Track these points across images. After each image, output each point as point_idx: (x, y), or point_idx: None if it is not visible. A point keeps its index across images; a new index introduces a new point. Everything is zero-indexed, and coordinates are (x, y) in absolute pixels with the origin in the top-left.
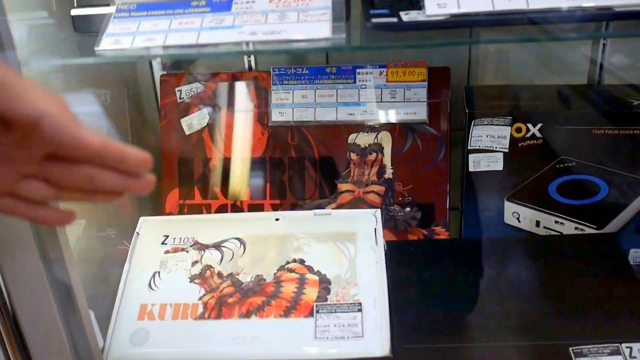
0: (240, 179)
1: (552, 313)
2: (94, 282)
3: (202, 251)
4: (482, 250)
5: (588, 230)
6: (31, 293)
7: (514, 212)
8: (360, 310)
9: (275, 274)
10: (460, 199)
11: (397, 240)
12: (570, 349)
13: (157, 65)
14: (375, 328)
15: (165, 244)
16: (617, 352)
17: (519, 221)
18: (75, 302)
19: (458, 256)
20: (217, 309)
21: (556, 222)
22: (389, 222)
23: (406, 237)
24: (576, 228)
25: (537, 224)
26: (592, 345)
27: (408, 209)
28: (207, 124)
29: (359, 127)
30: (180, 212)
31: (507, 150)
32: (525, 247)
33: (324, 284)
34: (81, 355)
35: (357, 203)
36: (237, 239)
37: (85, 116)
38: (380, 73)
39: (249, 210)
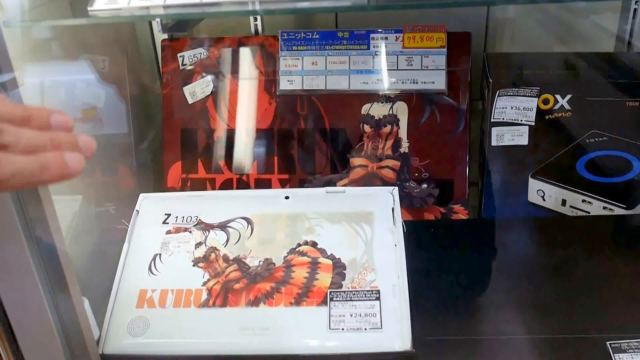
0: (246, 151)
1: (585, 303)
2: (88, 265)
3: (207, 231)
4: (506, 232)
5: (617, 210)
6: (16, 278)
7: (538, 190)
8: (378, 298)
9: (285, 257)
10: (480, 175)
11: (414, 219)
12: (607, 343)
13: (157, 27)
14: (395, 319)
15: (167, 223)
16: None
17: (544, 200)
18: (67, 288)
19: (481, 238)
20: (223, 295)
21: (583, 201)
22: (404, 200)
23: (422, 216)
24: (604, 208)
25: (563, 202)
26: (631, 339)
27: (425, 186)
28: (211, 92)
29: (373, 97)
30: (183, 187)
31: (533, 124)
32: (552, 228)
33: (338, 268)
34: (74, 346)
35: (371, 179)
36: (244, 218)
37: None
38: (396, 38)
39: (256, 185)
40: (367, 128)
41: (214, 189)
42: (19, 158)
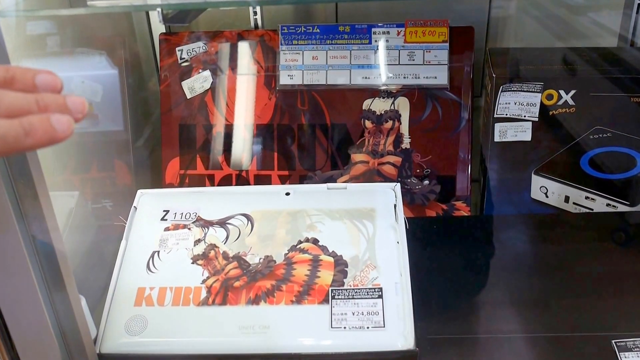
0: (246, 147)
1: (589, 301)
2: (85, 262)
3: (206, 228)
4: (509, 229)
5: (620, 207)
6: (12, 276)
7: (541, 187)
8: (380, 296)
9: (286, 254)
10: (482, 172)
11: (416, 216)
12: (612, 341)
13: (156, 17)
14: (398, 317)
15: (165, 219)
16: None
17: (547, 196)
18: (63, 286)
19: (484, 235)
20: (222, 293)
21: (587, 197)
22: (405, 196)
23: (424, 213)
24: (608, 204)
25: (566, 199)
26: (637, 337)
27: (426, 182)
28: (210, 87)
29: (375, 92)
30: (181, 183)
31: (536, 119)
32: (555, 225)
33: (340, 266)
34: (71, 346)
35: (372, 175)
36: (244, 215)
37: (79, 79)
38: (398, 33)
39: (255, 182)
40: (368, 124)
41: (212, 185)
42: (1, 122)
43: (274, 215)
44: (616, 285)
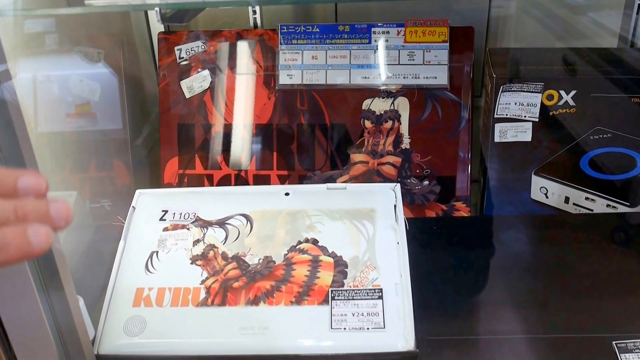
0: (245, 147)
1: (589, 302)
2: (83, 263)
3: (205, 228)
4: (509, 230)
5: (620, 208)
6: (9, 276)
7: (541, 187)
8: (380, 297)
9: (285, 255)
10: (482, 172)
11: (416, 217)
12: (613, 342)
13: (154, 17)
14: (398, 318)
15: (164, 219)
16: None
17: (547, 197)
18: (61, 286)
19: (484, 236)
20: (222, 294)
21: (587, 198)
22: (405, 197)
23: (424, 213)
24: (608, 205)
25: (566, 200)
26: (637, 339)
27: (426, 183)
28: (209, 86)
29: (374, 92)
30: (180, 183)
31: (536, 120)
32: (555, 226)
33: (340, 266)
34: (69, 347)
35: (371, 175)
36: (243, 215)
37: (77, 78)
38: (398, 32)
39: (254, 182)
40: (367, 124)
41: (211, 185)
42: None
43: (273, 216)
44: (616, 286)
